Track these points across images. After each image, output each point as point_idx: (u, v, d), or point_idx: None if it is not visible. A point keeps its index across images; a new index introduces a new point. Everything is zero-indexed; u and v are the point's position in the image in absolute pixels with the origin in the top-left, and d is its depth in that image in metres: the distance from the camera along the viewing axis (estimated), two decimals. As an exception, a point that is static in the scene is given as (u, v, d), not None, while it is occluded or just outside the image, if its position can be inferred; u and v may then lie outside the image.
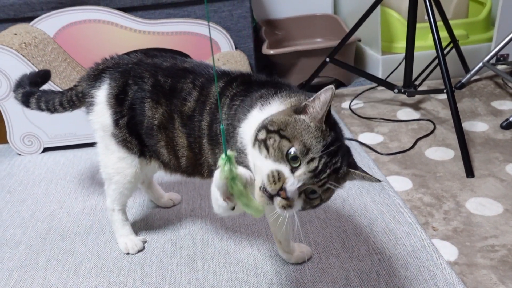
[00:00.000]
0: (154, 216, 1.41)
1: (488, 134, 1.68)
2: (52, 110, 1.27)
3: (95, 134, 1.18)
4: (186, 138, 1.04)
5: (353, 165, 0.85)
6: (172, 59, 1.12)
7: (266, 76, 1.02)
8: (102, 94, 1.12)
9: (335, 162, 0.79)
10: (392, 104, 1.98)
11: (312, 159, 0.77)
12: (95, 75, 1.16)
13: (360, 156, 1.60)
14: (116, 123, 1.12)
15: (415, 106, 1.94)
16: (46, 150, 1.84)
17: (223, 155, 0.74)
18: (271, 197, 0.78)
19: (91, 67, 1.19)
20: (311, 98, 0.80)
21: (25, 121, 1.78)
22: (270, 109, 0.87)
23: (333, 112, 0.82)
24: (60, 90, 1.43)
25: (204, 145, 1.02)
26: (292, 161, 0.77)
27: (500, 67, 2.14)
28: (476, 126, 1.75)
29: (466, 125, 1.75)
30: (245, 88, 0.97)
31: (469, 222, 1.26)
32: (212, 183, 0.79)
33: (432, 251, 1.17)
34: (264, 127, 0.81)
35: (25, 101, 1.27)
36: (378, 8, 2.01)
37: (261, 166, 0.79)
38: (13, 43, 1.69)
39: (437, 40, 1.60)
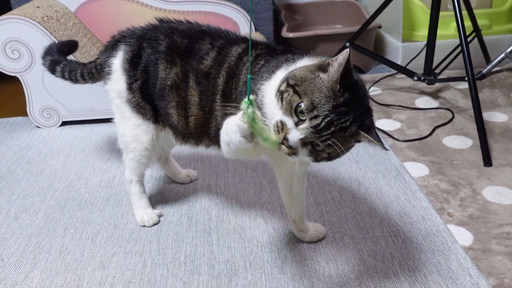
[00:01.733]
0: (171, 191, 1.42)
1: (507, 125, 1.67)
2: (74, 80, 1.30)
3: (112, 104, 1.21)
4: (199, 96, 1.06)
5: (366, 127, 0.85)
6: (188, 23, 1.14)
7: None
8: (117, 61, 1.15)
9: (343, 121, 0.81)
10: (411, 92, 1.97)
11: (316, 116, 0.80)
12: (111, 46, 1.19)
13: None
14: (130, 87, 1.14)
15: (434, 95, 1.93)
16: (64, 123, 1.87)
17: (245, 100, 0.80)
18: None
19: (109, 39, 1.21)
20: (335, 57, 0.81)
21: (45, 94, 1.80)
22: (297, 66, 0.88)
23: (358, 75, 0.85)
24: (80, 62, 1.45)
25: (216, 102, 1.04)
26: (300, 114, 0.81)
27: (522, 59, 2.10)
28: (496, 117, 1.73)
29: (486, 115, 1.74)
30: (270, 51, 0.99)
31: (485, 210, 1.26)
32: (226, 126, 0.87)
33: (447, 236, 1.17)
34: (286, 79, 0.85)
35: (52, 68, 1.32)
36: (401, -6, 1.99)
37: (274, 115, 0.85)
38: (36, 16, 1.70)
39: (461, 28, 1.58)
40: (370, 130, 0.85)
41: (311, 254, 1.14)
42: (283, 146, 0.83)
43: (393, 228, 1.21)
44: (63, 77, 1.31)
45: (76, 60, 1.72)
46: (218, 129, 1.05)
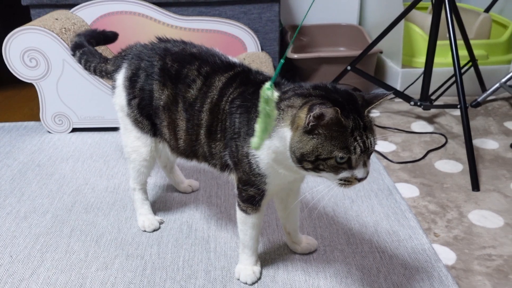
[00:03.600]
0: (173, 200, 1.50)
1: (498, 152, 1.74)
2: (87, 69, 1.37)
3: (117, 115, 1.28)
4: (185, 122, 1.12)
5: (367, 102, 0.90)
6: (183, 44, 1.20)
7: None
8: (120, 77, 1.23)
9: (363, 125, 0.87)
10: (408, 116, 2.05)
11: (354, 148, 0.86)
12: (117, 61, 1.26)
13: (371, 162, 1.67)
14: (129, 103, 1.21)
15: (430, 120, 2.01)
16: (74, 130, 1.95)
17: (268, 85, 0.85)
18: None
19: (116, 54, 1.29)
20: (306, 115, 0.87)
21: (58, 101, 1.89)
22: (277, 135, 0.93)
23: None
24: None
25: (200, 135, 1.10)
26: (343, 161, 0.88)
27: (517, 89, 2.18)
28: (487, 144, 1.80)
29: (477, 142, 1.81)
30: (243, 92, 1.04)
31: (470, 232, 1.33)
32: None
33: (431, 254, 1.23)
34: (302, 160, 0.90)
35: (73, 49, 1.38)
36: (402, 22, 2.08)
37: (331, 178, 0.92)
38: (55, 27, 1.80)
39: (455, 57, 1.66)
40: (370, 101, 0.91)
41: (302, 265, 1.20)
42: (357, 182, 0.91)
43: (381, 245, 1.27)
44: (79, 62, 1.37)
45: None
46: (205, 155, 1.13)
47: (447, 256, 1.24)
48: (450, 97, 2.12)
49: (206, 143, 1.11)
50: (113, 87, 1.26)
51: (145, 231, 1.34)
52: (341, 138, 0.86)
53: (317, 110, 0.84)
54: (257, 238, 1.15)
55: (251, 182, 1.04)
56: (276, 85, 1.03)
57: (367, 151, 0.89)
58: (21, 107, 2.23)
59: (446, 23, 1.77)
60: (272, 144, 0.95)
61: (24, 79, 1.84)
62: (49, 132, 1.95)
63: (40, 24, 1.78)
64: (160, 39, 1.24)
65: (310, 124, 0.86)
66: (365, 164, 0.90)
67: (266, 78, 1.07)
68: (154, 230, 1.35)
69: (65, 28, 1.84)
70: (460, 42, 1.99)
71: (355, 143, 0.86)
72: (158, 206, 1.46)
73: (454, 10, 1.86)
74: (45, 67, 1.82)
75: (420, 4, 2.05)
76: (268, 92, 0.85)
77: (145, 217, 1.36)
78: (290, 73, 2.39)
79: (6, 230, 1.36)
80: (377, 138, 0.92)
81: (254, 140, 0.90)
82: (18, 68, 1.82)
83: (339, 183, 0.90)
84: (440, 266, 1.19)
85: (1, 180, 1.61)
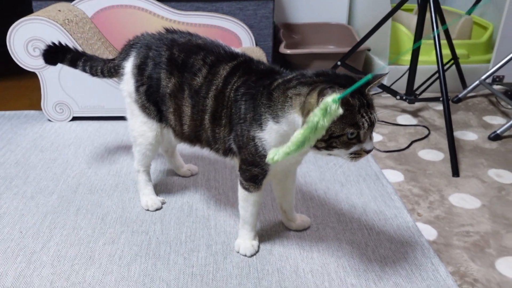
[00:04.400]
0: (174, 183, 1.58)
1: (477, 143, 1.86)
2: (94, 74, 1.44)
3: (125, 101, 1.36)
4: (191, 108, 1.20)
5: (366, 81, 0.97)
6: (189, 35, 1.28)
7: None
8: (129, 65, 1.30)
9: (367, 103, 0.96)
10: (394, 110, 2.16)
11: (363, 123, 0.95)
12: (126, 50, 1.34)
13: (360, 150, 1.78)
14: (137, 89, 1.29)
15: (414, 114, 2.12)
16: (74, 119, 2.02)
17: (335, 97, 0.89)
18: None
19: (125, 43, 1.37)
20: (316, 100, 0.94)
21: (59, 90, 1.95)
22: (286, 120, 1.01)
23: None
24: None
25: (205, 120, 1.19)
26: (351, 135, 0.96)
27: (495, 87, 2.32)
28: (467, 136, 1.93)
29: (458, 134, 1.94)
30: (246, 80, 1.12)
31: (450, 212, 1.44)
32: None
33: (415, 231, 1.34)
34: (317, 143, 0.97)
35: (73, 62, 1.45)
36: (389, 22, 2.19)
37: (342, 154, 1.00)
38: (58, 18, 1.87)
39: (439, 55, 1.78)
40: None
41: (297, 240, 1.30)
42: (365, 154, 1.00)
43: (369, 223, 1.38)
44: (84, 70, 1.44)
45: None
46: (209, 140, 1.21)
47: (429, 232, 1.35)
48: (433, 93, 2.24)
49: (210, 128, 1.19)
50: (121, 74, 1.34)
51: (148, 210, 1.43)
52: (350, 116, 0.95)
53: (321, 95, 0.93)
54: (256, 215, 1.24)
55: (256, 163, 1.13)
56: (276, 72, 1.13)
57: (373, 125, 0.99)
58: (21, 97, 2.29)
59: (431, 24, 1.89)
60: (280, 128, 1.04)
61: (27, 68, 1.91)
62: (50, 120, 2.02)
63: (44, 15, 1.85)
64: (168, 30, 1.32)
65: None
66: (370, 138, 1.00)
67: (267, 67, 1.16)
68: (157, 210, 1.43)
69: (68, 19, 1.91)
70: (443, 41, 2.12)
71: (363, 119, 0.96)
72: (160, 188, 1.54)
73: (439, 11, 1.98)
74: (48, 56, 1.89)
75: (406, 5, 2.17)
76: (333, 105, 0.88)
77: (148, 197, 1.44)
78: (283, 68, 2.48)
79: (14, 209, 1.43)
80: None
81: (275, 153, 0.95)
82: (21, 57, 1.88)
83: (351, 157, 1.00)
84: (423, 240, 1.30)
85: (6, 164, 1.68)
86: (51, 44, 1.45)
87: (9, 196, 1.49)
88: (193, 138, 1.26)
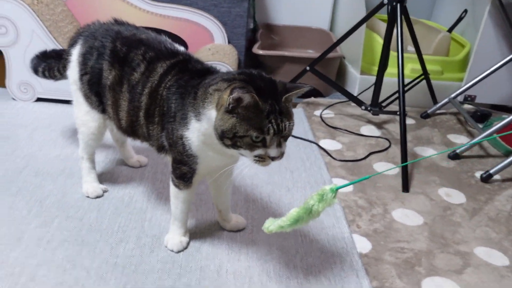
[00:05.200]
0: (121, 173, 1.57)
1: (434, 160, 1.86)
2: (53, 75, 1.48)
3: (71, 88, 1.35)
4: (128, 103, 1.20)
5: (286, 89, 0.99)
6: (135, 29, 1.27)
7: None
8: (75, 52, 1.30)
9: (279, 110, 0.96)
10: (359, 120, 2.16)
11: (268, 129, 0.95)
12: (74, 37, 1.34)
13: (315, 157, 1.78)
14: (81, 78, 1.29)
15: (379, 126, 2.12)
16: (39, 100, 2.01)
17: (332, 187, 0.92)
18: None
19: (76, 31, 1.37)
20: (227, 97, 0.95)
21: (24, 70, 1.94)
22: (205, 117, 1.01)
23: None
24: (62, 48, 1.61)
25: (140, 116, 1.19)
26: (258, 140, 0.96)
27: (465, 106, 2.32)
28: (427, 152, 1.93)
29: (418, 149, 1.93)
30: (178, 79, 1.12)
31: (390, 227, 1.44)
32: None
33: (348, 242, 1.34)
34: (222, 137, 0.98)
35: (35, 72, 1.53)
36: (363, 30, 2.19)
37: (247, 155, 1.00)
38: (27, -2, 1.86)
39: (400, 68, 1.79)
40: (291, 88, 1.00)
41: (228, 241, 1.30)
42: (271, 161, 0.99)
43: (305, 230, 1.37)
44: (44, 76, 1.50)
45: (59, 43, 1.89)
46: (144, 135, 1.21)
47: (363, 245, 1.35)
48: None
49: (145, 124, 1.19)
50: (68, 61, 1.33)
51: (88, 197, 1.42)
52: (257, 120, 0.95)
53: (235, 94, 0.93)
54: (186, 212, 1.24)
55: (184, 162, 1.13)
56: (210, 72, 1.12)
57: (281, 133, 0.98)
58: (-10, 73, 2.28)
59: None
60: (201, 126, 1.04)
61: (-7, 45, 1.90)
62: (14, 99, 2.01)
63: (13, -6, 1.84)
64: (116, 21, 1.31)
65: (230, 105, 0.95)
66: (279, 145, 0.99)
67: (203, 67, 1.16)
68: (97, 197, 1.43)
69: (37, 0, 1.90)
70: (414, 56, 2.12)
71: (269, 125, 0.96)
72: (105, 177, 1.54)
73: (408, 24, 1.98)
74: (14, 35, 1.88)
75: (384, 16, 2.17)
76: (329, 194, 0.91)
77: (90, 185, 1.44)
78: (256, 68, 2.48)
79: (-45, 184, 1.42)
80: (293, 124, 1.01)
81: (271, 223, 0.96)
82: (-13, 33, 1.87)
83: (254, 160, 1.00)
84: (354, 253, 1.30)
85: (-42, 139, 1.67)
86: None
87: (-47, 171, 1.49)
88: (130, 132, 1.26)
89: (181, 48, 1.22)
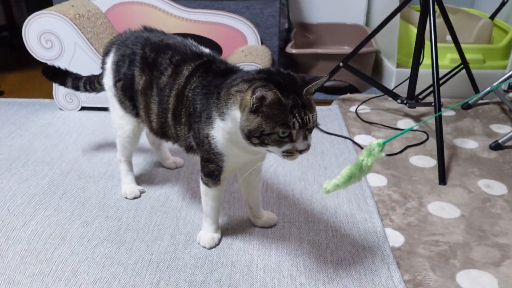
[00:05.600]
0: (157, 174, 1.64)
1: (475, 152, 1.80)
2: (94, 89, 1.59)
3: (107, 94, 1.42)
4: (157, 106, 1.25)
5: (305, 82, 0.99)
6: (163, 35, 1.32)
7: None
8: (109, 60, 1.37)
9: (302, 103, 0.97)
10: (396, 114, 2.12)
11: (293, 124, 0.97)
12: (108, 46, 1.41)
13: (349, 153, 1.77)
14: (115, 85, 1.36)
15: (417, 119, 2.08)
16: (83, 108, 2.13)
17: (380, 141, 0.97)
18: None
19: (109, 40, 1.44)
20: (250, 98, 0.97)
21: (69, 81, 2.07)
22: (229, 117, 1.04)
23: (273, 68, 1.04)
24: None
25: (168, 118, 1.23)
26: (283, 135, 0.98)
27: (511, 95, 2.22)
28: (467, 144, 1.86)
29: (458, 141, 1.88)
30: (202, 80, 1.15)
31: (424, 220, 1.41)
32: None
33: (380, 236, 1.32)
34: (250, 136, 1.00)
35: (75, 86, 1.62)
36: (397, 22, 2.15)
37: (275, 152, 1.02)
38: (69, 13, 1.98)
39: (434, 59, 1.74)
40: (309, 81, 1.00)
41: (259, 237, 1.32)
42: (298, 154, 1.01)
43: (337, 225, 1.37)
44: (86, 90, 1.60)
45: (100, 54, 2.00)
46: (173, 137, 1.25)
47: (396, 239, 1.33)
48: (442, 99, 2.17)
49: (173, 125, 1.24)
50: (104, 69, 1.41)
51: (126, 198, 1.49)
52: (281, 116, 0.97)
53: (258, 93, 0.95)
54: (217, 209, 1.27)
55: (211, 160, 1.17)
56: (233, 72, 1.15)
57: (306, 126, 0.99)
58: (41, 85, 2.44)
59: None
60: (226, 125, 1.07)
61: (40, 59, 2.03)
62: (61, 109, 2.14)
63: (56, 9, 1.96)
64: (145, 28, 1.37)
65: (254, 105, 0.98)
66: (305, 138, 1.01)
67: (226, 68, 1.18)
68: (135, 198, 1.50)
69: (79, 14, 2.01)
70: (452, 45, 2.06)
71: (294, 119, 0.97)
72: (143, 178, 1.61)
73: (443, 13, 1.92)
74: (59, 48, 2.01)
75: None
76: (376, 148, 0.95)
77: (128, 186, 1.51)
78: (291, 68, 2.49)
79: (8, 189, 1.54)
80: (317, 115, 1.02)
81: (328, 184, 1.02)
82: (35, 48, 2.01)
83: (283, 155, 1.01)
84: (386, 246, 1.29)
85: (12, 147, 1.80)
86: (50, 66, 1.62)
87: (7, 177, 1.61)
88: (161, 134, 1.31)
89: (206, 50, 1.26)
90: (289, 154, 1.01)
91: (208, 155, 1.16)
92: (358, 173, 0.99)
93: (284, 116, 0.97)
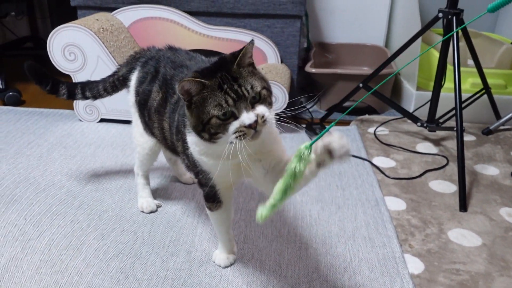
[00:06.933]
0: (174, 189, 1.64)
1: (496, 179, 1.76)
2: (95, 96, 1.51)
3: (131, 110, 1.43)
4: (168, 124, 1.23)
5: (234, 56, 0.95)
6: (186, 54, 1.31)
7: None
8: (134, 77, 1.37)
9: (232, 77, 0.93)
10: (415, 137, 2.10)
11: (226, 100, 0.91)
12: (131, 62, 1.41)
13: (367, 175, 1.75)
14: (137, 102, 1.35)
15: (436, 142, 2.05)
16: (102, 120, 2.15)
17: (307, 144, 0.88)
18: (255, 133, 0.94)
19: (131, 55, 1.44)
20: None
21: (90, 92, 2.09)
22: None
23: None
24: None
25: (173, 135, 1.19)
26: (227, 117, 0.92)
27: (533, 121, 2.18)
28: (488, 170, 1.83)
29: (478, 167, 1.84)
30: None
31: (445, 247, 1.38)
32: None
33: (399, 262, 1.30)
34: (197, 133, 0.97)
35: (70, 96, 1.52)
36: (418, 44, 2.14)
37: (229, 138, 0.94)
38: (93, 27, 2.01)
39: (457, 83, 1.72)
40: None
41: (275, 257, 1.30)
42: (259, 128, 0.93)
43: (355, 249, 1.35)
44: (84, 97, 1.51)
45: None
46: (183, 156, 1.21)
47: (415, 265, 1.30)
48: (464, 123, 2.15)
49: (175, 142, 1.21)
50: (128, 86, 1.41)
51: (142, 211, 1.49)
52: (212, 97, 0.92)
53: (179, 88, 0.93)
54: (226, 231, 1.25)
55: (201, 181, 1.15)
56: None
57: (243, 97, 0.92)
58: (61, 96, 2.46)
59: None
60: (191, 137, 1.05)
61: (63, 70, 2.06)
62: (80, 120, 2.16)
63: (81, 23, 2.00)
64: (170, 47, 1.37)
65: (185, 100, 0.95)
66: (251, 110, 0.93)
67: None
68: (151, 212, 1.49)
69: (103, 28, 2.04)
70: (474, 69, 2.04)
71: (225, 95, 0.91)
72: (160, 192, 1.61)
73: (466, 37, 1.91)
74: (82, 61, 2.03)
75: (441, 30, 2.11)
76: (305, 151, 0.87)
77: (144, 200, 1.51)
78: (310, 87, 2.50)
79: (26, 198, 1.55)
80: (259, 85, 0.94)
81: (262, 209, 0.89)
82: (59, 60, 2.04)
83: (236, 137, 0.93)
84: (405, 273, 1.26)
85: (31, 157, 1.82)
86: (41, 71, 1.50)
87: (25, 186, 1.62)
88: (174, 151, 1.29)
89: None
90: (241, 133, 0.92)
91: (197, 176, 1.16)
92: (293, 182, 0.88)
93: (214, 96, 0.92)
